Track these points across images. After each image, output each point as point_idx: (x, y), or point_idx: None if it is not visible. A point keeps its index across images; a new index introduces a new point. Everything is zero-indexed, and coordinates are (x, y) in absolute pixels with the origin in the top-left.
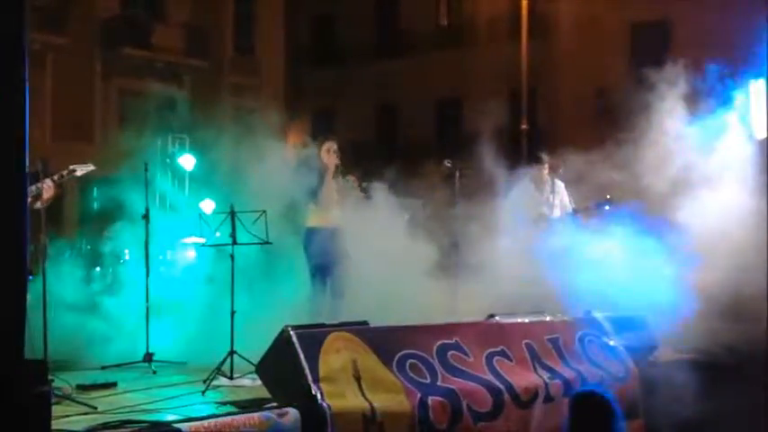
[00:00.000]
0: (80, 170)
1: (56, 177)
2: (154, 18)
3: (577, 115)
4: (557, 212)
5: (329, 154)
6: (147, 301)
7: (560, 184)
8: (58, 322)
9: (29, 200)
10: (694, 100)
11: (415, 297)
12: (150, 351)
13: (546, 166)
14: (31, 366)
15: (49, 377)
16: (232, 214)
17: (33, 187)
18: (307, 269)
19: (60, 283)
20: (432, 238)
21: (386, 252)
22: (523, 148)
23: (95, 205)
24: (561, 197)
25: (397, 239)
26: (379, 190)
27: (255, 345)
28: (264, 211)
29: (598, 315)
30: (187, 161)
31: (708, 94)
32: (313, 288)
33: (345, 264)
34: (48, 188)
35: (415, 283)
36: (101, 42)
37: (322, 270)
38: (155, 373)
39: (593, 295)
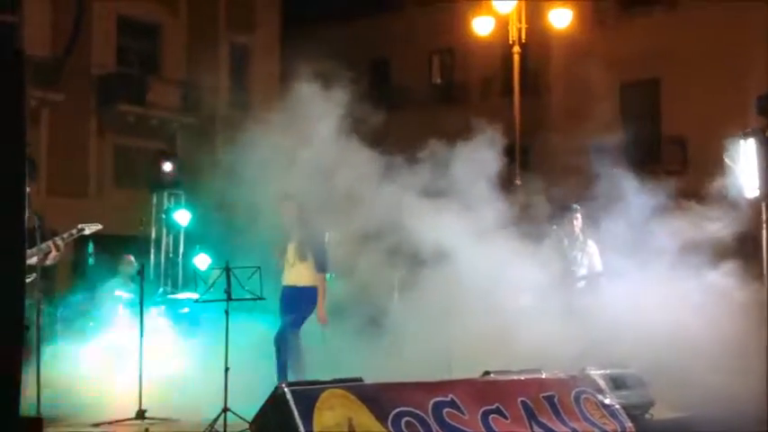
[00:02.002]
0: (88, 229)
1: (65, 236)
2: (149, 75)
3: (571, 171)
4: (582, 271)
5: (288, 211)
6: (141, 357)
7: (592, 244)
8: (51, 378)
9: (39, 257)
10: None
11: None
12: (143, 408)
13: (578, 217)
14: (26, 424)
15: None
16: (227, 270)
17: (44, 245)
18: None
19: (54, 338)
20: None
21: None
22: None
23: (90, 261)
24: (591, 257)
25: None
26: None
27: (249, 402)
28: (259, 267)
29: (593, 372)
30: (182, 217)
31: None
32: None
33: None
34: (56, 247)
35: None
36: (96, 99)
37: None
38: (147, 430)
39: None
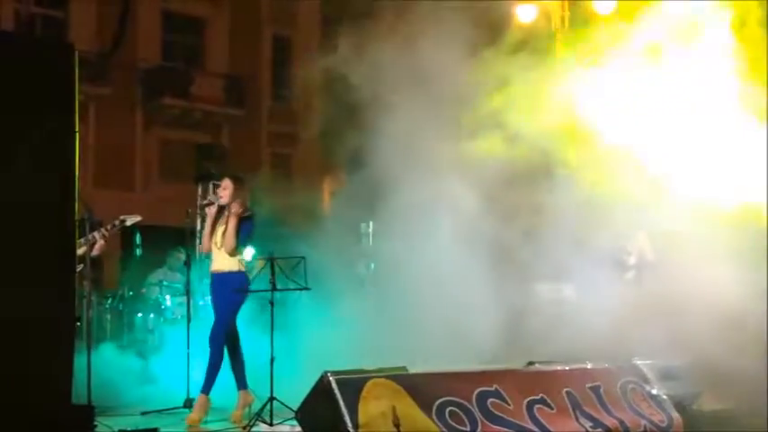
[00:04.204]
0: (130, 220)
1: (109, 227)
2: (193, 68)
3: None
4: (632, 260)
5: (224, 191)
6: (189, 347)
7: (642, 233)
8: (100, 367)
9: (85, 248)
10: None
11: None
12: (191, 396)
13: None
14: (77, 411)
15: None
16: (272, 260)
17: (90, 236)
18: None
19: (102, 329)
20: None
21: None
22: None
23: (137, 252)
24: (641, 246)
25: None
26: None
27: (295, 390)
28: (303, 258)
29: (640, 363)
30: None
31: None
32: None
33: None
34: (102, 237)
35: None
36: (141, 92)
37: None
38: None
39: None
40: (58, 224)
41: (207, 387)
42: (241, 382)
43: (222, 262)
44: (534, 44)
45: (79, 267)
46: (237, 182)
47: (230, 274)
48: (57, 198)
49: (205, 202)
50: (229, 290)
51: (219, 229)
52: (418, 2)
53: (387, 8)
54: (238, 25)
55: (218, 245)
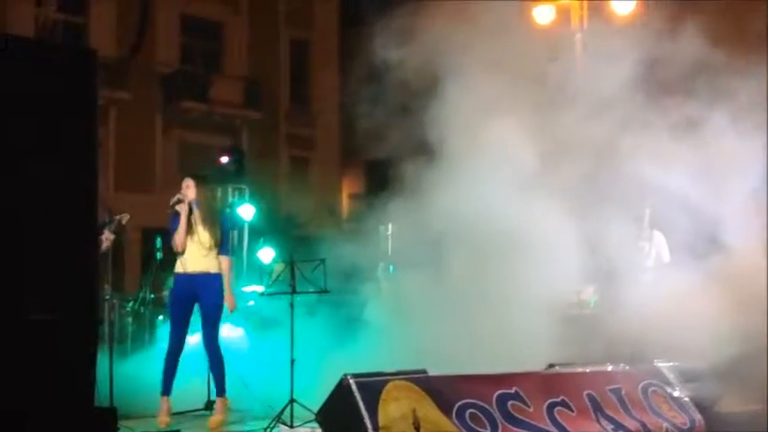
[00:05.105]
0: (124, 219)
1: (111, 227)
2: (211, 72)
3: None
4: (650, 262)
5: (188, 190)
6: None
7: (659, 235)
8: (121, 370)
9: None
10: None
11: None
12: (211, 399)
13: (649, 206)
14: (101, 413)
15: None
16: (291, 263)
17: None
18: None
19: (123, 331)
20: None
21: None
22: None
23: (158, 256)
24: (658, 248)
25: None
26: None
27: (315, 393)
28: (323, 260)
29: (662, 364)
30: (246, 211)
31: None
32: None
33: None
34: (106, 239)
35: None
36: (161, 96)
37: (179, 322)
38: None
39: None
40: (81, 228)
41: (221, 390)
42: (220, 389)
43: (207, 263)
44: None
45: None
46: (199, 180)
47: (216, 275)
48: (78, 201)
49: (174, 199)
50: (214, 292)
51: (198, 229)
52: None
53: None
54: (256, 28)
55: (207, 245)
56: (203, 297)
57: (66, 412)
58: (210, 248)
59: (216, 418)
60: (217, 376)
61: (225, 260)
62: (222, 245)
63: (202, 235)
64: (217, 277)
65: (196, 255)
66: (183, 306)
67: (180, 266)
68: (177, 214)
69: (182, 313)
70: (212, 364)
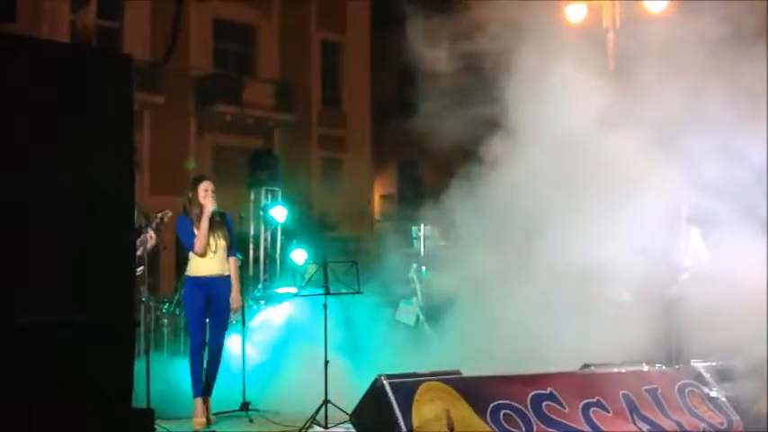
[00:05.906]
0: (166, 216)
1: (153, 225)
2: (244, 75)
3: None
4: (688, 261)
5: (207, 194)
6: (244, 350)
7: (696, 233)
8: (157, 372)
9: (141, 250)
10: None
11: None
12: (247, 400)
13: (685, 204)
14: (138, 415)
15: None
16: (324, 265)
17: (142, 236)
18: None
19: (160, 333)
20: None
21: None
22: None
23: None
24: (695, 246)
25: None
26: None
27: (349, 394)
28: (356, 262)
29: (698, 364)
30: (279, 213)
31: None
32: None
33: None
34: (150, 237)
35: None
36: (194, 100)
37: (201, 324)
38: (251, 422)
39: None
40: (118, 231)
41: (209, 389)
42: (211, 388)
43: (222, 266)
44: None
45: (139, 270)
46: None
47: (228, 278)
48: (115, 205)
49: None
50: (228, 293)
51: (219, 232)
52: None
53: None
54: (288, 31)
55: (223, 248)
56: (219, 298)
57: (104, 414)
58: (225, 251)
59: (199, 419)
60: (211, 375)
61: (234, 261)
62: (231, 246)
63: (219, 240)
64: (229, 279)
65: (213, 258)
66: (201, 308)
67: (195, 269)
68: (192, 221)
69: (201, 315)
70: (211, 363)
